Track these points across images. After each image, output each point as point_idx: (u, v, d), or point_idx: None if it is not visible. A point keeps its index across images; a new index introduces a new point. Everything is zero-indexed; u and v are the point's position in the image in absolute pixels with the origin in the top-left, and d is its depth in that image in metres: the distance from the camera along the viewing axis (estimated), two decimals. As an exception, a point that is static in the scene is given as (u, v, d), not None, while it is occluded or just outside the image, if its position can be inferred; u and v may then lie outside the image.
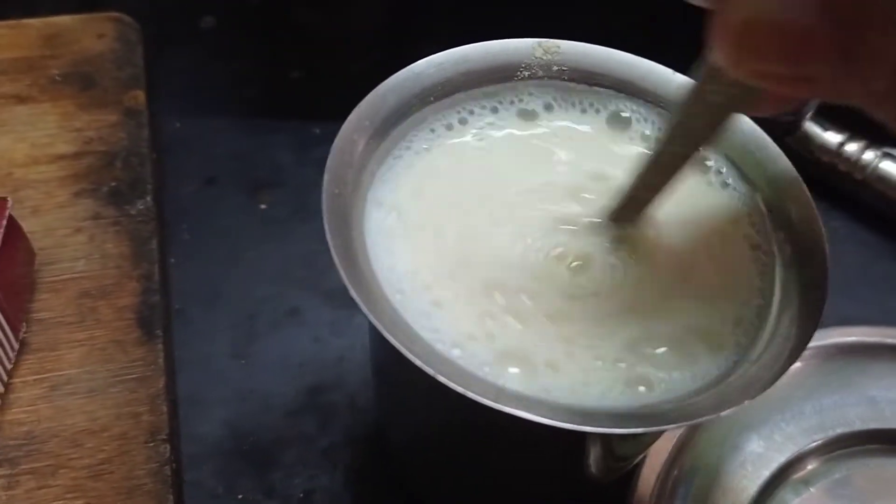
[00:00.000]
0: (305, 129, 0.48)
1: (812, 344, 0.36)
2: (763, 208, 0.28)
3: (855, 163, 0.45)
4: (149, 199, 0.40)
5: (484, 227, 0.27)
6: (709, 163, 0.29)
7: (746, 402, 0.23)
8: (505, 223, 0.27)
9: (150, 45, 0.48)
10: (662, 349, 0.25)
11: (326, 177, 0.26)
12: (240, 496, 0.36)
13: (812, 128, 0.45)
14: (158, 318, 0.37)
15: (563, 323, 0.25)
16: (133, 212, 0.40)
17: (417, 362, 0.22)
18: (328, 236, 0.24)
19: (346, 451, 0.37)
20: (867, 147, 0.45)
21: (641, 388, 0.24)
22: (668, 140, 0.26)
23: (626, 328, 0.26)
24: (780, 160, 0.28)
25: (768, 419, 0.35)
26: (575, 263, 0.27)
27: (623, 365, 0.25)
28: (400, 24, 0.50)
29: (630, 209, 0.27)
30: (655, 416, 0.24)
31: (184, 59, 0.50)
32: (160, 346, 0.36)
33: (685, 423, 0.23)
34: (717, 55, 0.19)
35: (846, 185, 0.45)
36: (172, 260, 0.42)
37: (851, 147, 0.45)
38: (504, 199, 0.28)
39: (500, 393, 0.23)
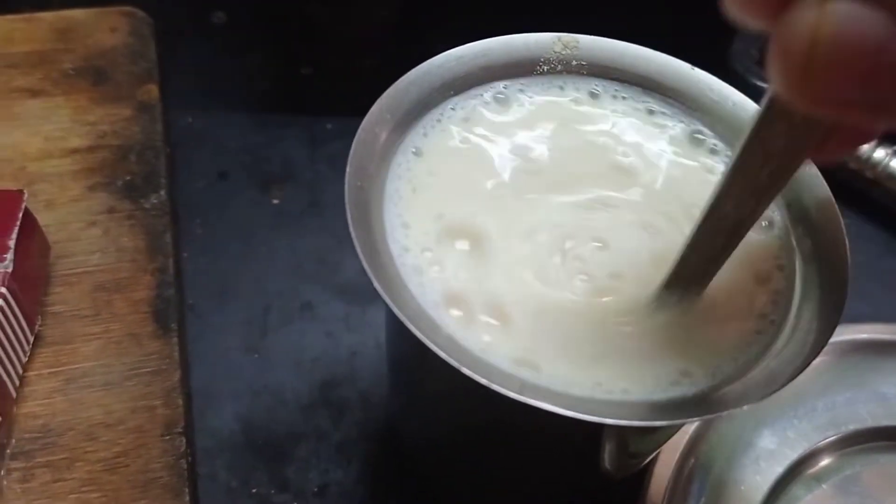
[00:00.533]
0: (317, 124, 0.48)
1: (824, 341, 0.37)
2: (782, 202, 0.28)
3: (866, 160, 0.45)
4: (163, 192, 0.40)
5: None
6: (724, 156, 0.29)
7: (769, 395, 0.23)
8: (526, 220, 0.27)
9: (162, 41, 0.48)
10: (682, 345, 0.25)
11: (349, 169, 0.26)
12: (254, 490, 0.36)
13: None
14: (173, 312, 0.37)
15: (591, 322, 0.25)
16: (147, 205, 0.40)
17: (441, 354, 0.22)
18: (351, 228, 0.24)
19: (360, 445, 0.37)
20: (878, 145, 0.45)
21: (663, 383, 0.24)
22: (725, 199, 0.23)
23: (647, 323, 0.26)
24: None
25: (781, 416, 0.35)
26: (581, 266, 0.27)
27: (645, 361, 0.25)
28: (411, 20, 0.50)
29: (688, 281, 0.25)
30: (677, 409, 0.24)
31: (195, 54, 0.50)
32: (175, 340, 0.36)
33: (708, 416, 0.23)
34: (780, 84, 0.17)
35: (857, 183, 0.45)
36: (185, 254, 0.42)
37: (862, 146, 0.45)
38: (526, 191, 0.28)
39: (524, 386, 0.23)
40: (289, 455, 0.37)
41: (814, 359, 0.23)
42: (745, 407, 0.23)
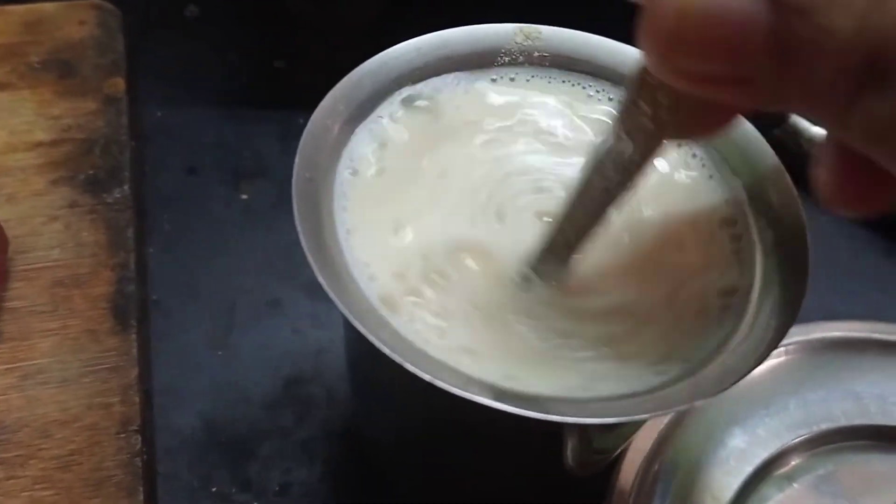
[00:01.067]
0: (289, 119, 0.47)
1: (797, 338, 0.36)
2: (743, 194, 0.27)
3: (844, 157, 0.44)
4: (126, 187, 0.40)
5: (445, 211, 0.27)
6: (685, 147, 0.29)
7: (722, 391, 0.22)
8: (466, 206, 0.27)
9: (134, 34, 0.47)
10: (638, 338, 0.25)
11: (298, 160, 0.25)
12: (214, 489, 0.35)
13: (800, 120, 0.44)
14: (133, 308, 0.36)
15: (533, 317, 0.25)
16: (110, 200, 0.39)
17: (385, 350, 0.22)
18: (297, 221, 0.24)
19: (324, 443, 0.37)
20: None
21: (615, 379, 0.24)
22: (594, 174, 0.23)
23: (602, 320, 0.25)
24: (760, 145, 0.27)
25: (752, 414, 0.34)
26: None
27: (595, 354, 0.24)
28: (387, 14, 0.50)
29: (557, 253, 0.25)
30: (630, 405, 0.23)
31: (167, 47, 0.50)
32: (134, 337, 0.35)
33: (659, 413, 0.23)
34: (647, 55, 0.17)
35: (834, 179, 0.45)
36: (151, 250, 0.42)
37: (840, 141, 0.44)
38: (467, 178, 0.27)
39: (470, 381, 0.23)
40: (252, 453, 0.36)
41: (768, 355, 0.23)
42: (698, 403, 0.22)
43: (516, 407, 0.21)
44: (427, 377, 0.21)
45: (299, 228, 0.24)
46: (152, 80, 0.48)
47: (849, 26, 0.15)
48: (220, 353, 0.39)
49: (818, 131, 0.44)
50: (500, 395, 0.22)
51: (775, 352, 0.23)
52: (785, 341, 0.24)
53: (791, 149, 0.44)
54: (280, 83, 0.49)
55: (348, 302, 0.23)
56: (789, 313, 0.24)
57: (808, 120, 0.44)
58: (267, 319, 0.40)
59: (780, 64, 0.16)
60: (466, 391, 0.21)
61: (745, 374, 0.22)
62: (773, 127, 0.43)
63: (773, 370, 0.35)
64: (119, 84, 0.43)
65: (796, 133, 0.44)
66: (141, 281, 0.38)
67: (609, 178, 0.23)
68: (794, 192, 0.26)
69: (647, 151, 0.22)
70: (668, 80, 0.17)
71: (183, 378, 0.38)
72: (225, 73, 0.49)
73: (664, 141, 0.21)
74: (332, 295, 0.22)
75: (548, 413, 0.21)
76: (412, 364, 0.21)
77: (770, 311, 0.25)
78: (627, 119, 0.21)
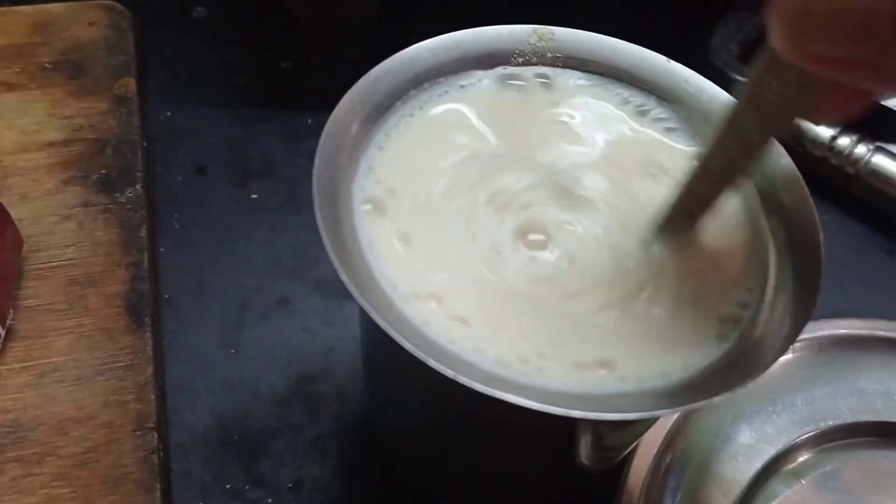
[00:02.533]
0: (296, 118, 0.48)
1: (803, 336, 0.36)
2: (756, 193, 0.28)
3: (847, 157, 0.45)
4: (139, 186, 0.40)
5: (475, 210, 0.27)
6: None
7: (739, 388, 0.23)
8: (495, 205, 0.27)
9: (141, 34, 0.48)
10: (656, 336, 0.25)
11: (317, 160, 0.25)
12: (228, 486, 0.35)
13: (804, 121, 0.45)
14: (147, 307, 0.36)
15: (552, 313, 0.25)
16: (123, 199, 0.40)
17: (408, 346, 0.22)
18: (318, 219, 0.24)
19: (336, 440, 0.37)
20: (859, 141, 0.45)
21: (635, 376, 0.24)
22: (718, 145, 0.24)
23: (619, 316, 0.25)
24: (773, 146, 0.28)
25: (760, 411, 0.35)
26: (555, 252, 0.26)
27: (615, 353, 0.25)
28: (392, 14, 0.50)
29: (679, 222, 0.26)
30: (647, 402, 0.23)
31: (174, 48, 0.50)
32: (149, 335, 0.36)
33: (677, 409, 0.23)
34: (774, 37, 0.18)
35: (838, 179, 0.45)
36: (161, 249, 0.42)
37: (843, 141, 0.45)
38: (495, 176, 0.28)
39: (491, 378, 0.23)
40: (264, 450, 0.36)
41: (784, 352, 0.23)
42: (715, 399, 0.23)
43: (540, 403, 0.21)
44: (450, 373, 0.22)
45: (320, 225, 0.24)
46: (160, 80, 0.48)
47: None
48: (231, 351, 0.39)
49: (822, 133, 0.45)
50: (521, 391, 0.22)
51: (782, 350, 0.24)
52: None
53: (795, 150, 0.44)
54: (287, 83, 0.50)
55: (369, 297, 0.23)
56: (804, 310, 0.24)
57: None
58: (277, 318, 0.40)
59: None
60: (489, 387, 0.21)
61: (764, 371, 0.23)
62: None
63: (780, 368, 0.36)
64: (130, 84, 0.43)
65: (800, 134, 0.45)
66: (153, 280, 0.38)
67: (732, 150, 0.23)
68: (807, 191, 0.27)
69: (771, 128, 0.22)
70: (795, 60, 0.18)
71: (194, 376, 0.38)
72: (232, 74, 0.50)
73: (794, 120, 0.22)
74: (354, 292, 0.23)
75: (570, 409, 0.21)
76: (435, 360, 0.22)
77: (784, 308, 0.25)
78: (754, 94, 0.22)
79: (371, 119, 0.28)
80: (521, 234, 0.26)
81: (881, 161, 0.44)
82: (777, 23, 0.17)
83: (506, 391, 0.21)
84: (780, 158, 0.27)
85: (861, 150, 0.45)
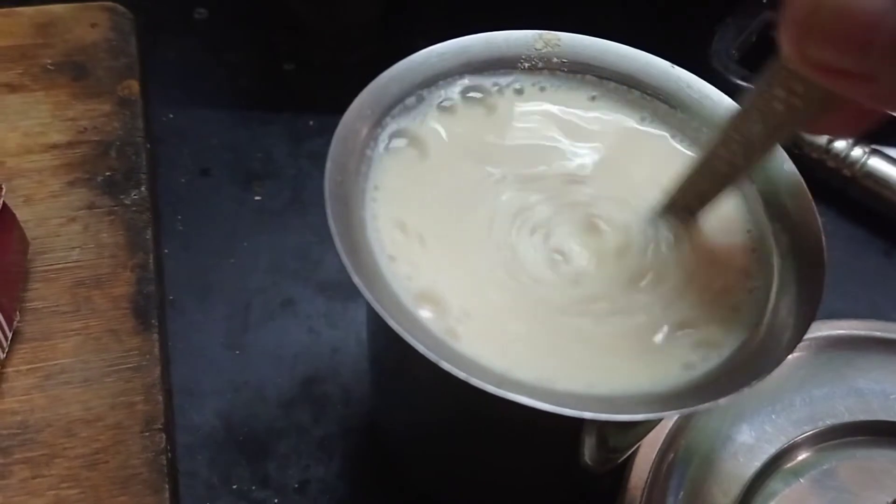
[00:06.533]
0: (299, 120, 0.48)
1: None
2: (759, 199, 0.28)
3: (843, 159, 0.45)
4: (143, 188, 0.40)
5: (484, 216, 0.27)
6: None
7: (745, 389, 0.23)
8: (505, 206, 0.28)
9: (143, 36, 0.48)
10: (660, 339, 0.25)
11: (329, 165, 0.26)
12: (234, 486, 0.36)
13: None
14: (153, 308, 0.37)
15: (564, 315, 0.26)
16: (128, 201, 0.40)
17: (420, 348, 0.22)
18: (331, 223, 0.24)
19: (341, 441, 0.37)
20: (856, 144, 0.45)
21: (641, 378, 0.25)
22: (721, 146, 0.25)
23: (624, 322, 0.26)
24: (776, 151, 0.28)
25: (759, 410, 0.35)
26: (558, 257, 0.27)
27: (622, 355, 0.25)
28: (394, 16, 0.50)
29: (676, 214, 0.27)
30: (654, 403, 0.24)
31: (177, 50, 0.50)
32: (155, 336, 0.36)
33: (685, 411, 0.24)
34: (783, 43, 0.18)
35: (834, 182, 0.46)
36: (166, 251, 0.42)
37: (840, 144, 0.45)
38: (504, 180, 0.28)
39: (503, 380, 0.23)
40: (270, 451, 0.37)
41: (789, 353, 0.24)
42: (721, 401, 0.23)
43: (552, 405, 0.22)
44: (462, 375, 0.22)
45: (333, 230, 0.24)
46: (163, 82, 0.48)
47: None
48: (236, 352, 0.39)
49: (821, 139, 0.45)
50: (533, 392, 0.22)
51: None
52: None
53: (792, 153, 0.45)
54: (289, 85, 0.50)
55: (380, 298, 0.23)
56: (807, 313, 0.25)
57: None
58: (281, 319, 0.41)
59: None
60: (501, 389, 0.22)
61: (768, 373, 0.23)
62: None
63: (780, 368, 0.36)
64: (133, 86, 0.44)
65: (797, 137, 0.45)
66: (159, 281, 0.38)
67: (735, 152, 0.24)
68: (809, 196, 0.27)
69: (774, 135, 0.23)
70: (798, 67, 0.19)
71: (200, 377, 0.38)
72: (234, 76, 0.50)
73: (796, 131, 0.23)
74: (369, 297, 0.23)
75: (583, 411, 0.22)
76: (447, 362, 0.22)
77: (787, 311, 0.25)
78: (761, 101, 0.22)
79: (379, 123, 0.28)
80: (536, 237, 0.27)
81: (877, 164, 0.45)
82: (784, 27, 0.18)
83: (518, 393, 0.22)
84: (783, 164, 0.28)
85: (857, 152, 0.45)
